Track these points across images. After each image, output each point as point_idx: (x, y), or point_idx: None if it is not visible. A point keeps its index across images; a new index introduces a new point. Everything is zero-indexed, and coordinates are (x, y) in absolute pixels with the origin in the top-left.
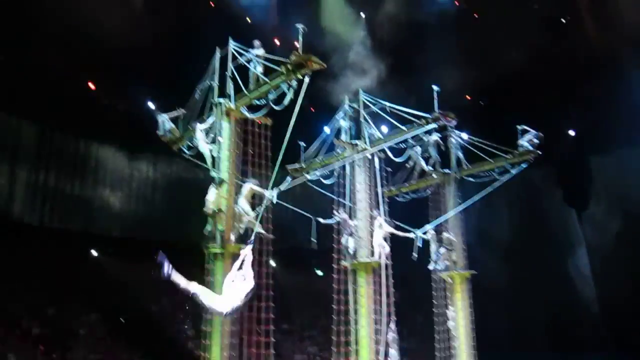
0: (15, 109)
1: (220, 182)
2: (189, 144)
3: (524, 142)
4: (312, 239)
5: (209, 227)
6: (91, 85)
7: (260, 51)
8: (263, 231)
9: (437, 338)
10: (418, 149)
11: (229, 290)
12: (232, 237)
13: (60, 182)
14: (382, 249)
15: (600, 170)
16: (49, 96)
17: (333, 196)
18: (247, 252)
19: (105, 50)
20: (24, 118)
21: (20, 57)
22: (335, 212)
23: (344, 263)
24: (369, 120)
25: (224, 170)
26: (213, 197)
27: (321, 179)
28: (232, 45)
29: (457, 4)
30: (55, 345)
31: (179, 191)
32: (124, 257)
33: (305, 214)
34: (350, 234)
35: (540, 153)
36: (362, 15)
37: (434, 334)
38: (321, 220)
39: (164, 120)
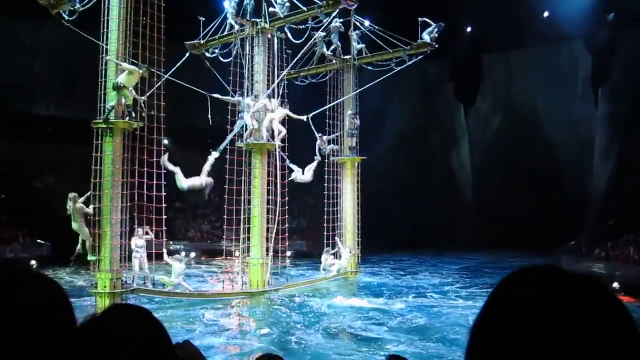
0: None
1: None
2: (71, 8)
3: (426, 35)
4: (209, 116)
5: (112, 103)
6: None
7: None
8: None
9: (326, 219)
10: (322, 34)
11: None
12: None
13: None
14: (278, 132)
15: (491, 68)
16: None
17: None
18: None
19: None
20: None
21: None
22: (232, 92)
23: (239, 144)
24: None
25: (113, 40)
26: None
27: (220, 58)
28: None
29: None
30: None
31: (62, 62)
32: (4, 130)
33: (200, 91)
34: (248, 115)
35: (436, 46)
36: None
37: (324, 216)
38: (216, 95)
39: None
